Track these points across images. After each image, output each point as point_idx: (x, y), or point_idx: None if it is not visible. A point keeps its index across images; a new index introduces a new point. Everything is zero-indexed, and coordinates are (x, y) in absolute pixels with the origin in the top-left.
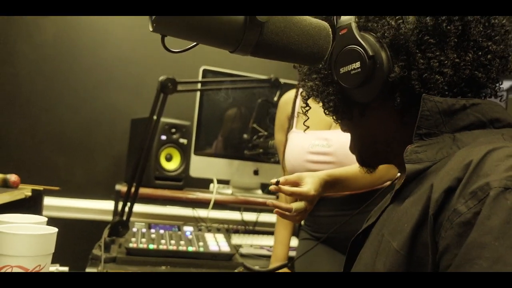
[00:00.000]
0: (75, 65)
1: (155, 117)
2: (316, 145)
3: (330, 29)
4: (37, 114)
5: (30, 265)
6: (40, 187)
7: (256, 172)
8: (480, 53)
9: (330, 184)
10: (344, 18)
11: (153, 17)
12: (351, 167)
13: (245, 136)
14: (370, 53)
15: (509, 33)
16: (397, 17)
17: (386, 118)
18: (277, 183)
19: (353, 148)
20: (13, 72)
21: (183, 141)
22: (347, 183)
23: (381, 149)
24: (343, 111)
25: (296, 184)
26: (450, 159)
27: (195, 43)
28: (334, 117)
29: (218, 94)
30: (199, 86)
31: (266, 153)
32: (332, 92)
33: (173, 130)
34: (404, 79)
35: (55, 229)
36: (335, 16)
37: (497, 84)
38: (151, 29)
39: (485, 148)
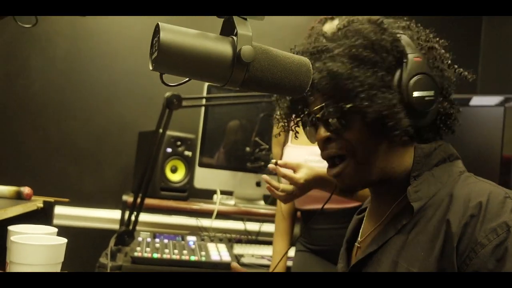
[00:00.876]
0: (85, 79)
1: (161, 131)
2: (310, 161)
3: (310, 65)
4: (49, 126)
5: None
6: (51, 199)
7: (258, 184)
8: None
9: (324, 181)
10: (412, 46)
11: (153, 57)
12: None
13: (247, 149)
14: (439, 86)
15: None
16: (449, 67)
17: (407, 148)
18: (276, 163)
19: (350, 172)
20: (26, 85)
21: (187, 153)
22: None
23: (383, 177)
24: (406, 131)
25: (293, 169)
26: (454, 197)
27: (187, 78)
28: (396, 135)
29: (223, 108)
30: (203, 101)
31: (267, 165)
32: (399, 111)
33: (178, 143)
34: (447, 115)
35: (65, 240)
36: (401, 42)
37: None
38: (151, 68)
39: (482, 189)
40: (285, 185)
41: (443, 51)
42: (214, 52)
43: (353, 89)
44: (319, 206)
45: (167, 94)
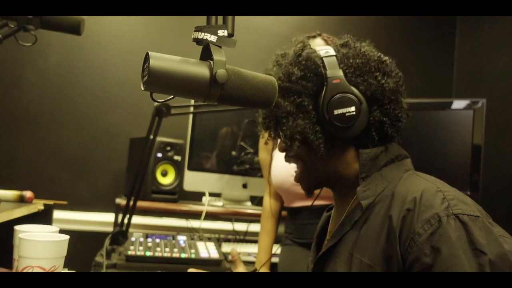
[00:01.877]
0: (77, 89)
1: (151, 137)
2: None
3: (276, 83)
4: (43, 134)
5: (47, 266)
6: (51, 202)
7: (245, 186)
8: (402, 106)
9: None
10: (333, 71)
11: (144, 79)
12: None
13: (233, 153)
14: (361, 101)
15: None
16: (378, 78)
17: (347, 154)
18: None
19: (306, 174)
20: (20, 96)
21: (177, 158)
22: None
23: (330, 180)
24: (324, 146)
25: None
26: (394, 195)
27: (173, 96)
28: (320, 151)
29: (210, 115)
30: (191, 109)
31: (253, 168)
32: (319, 130)
33: (168, 148)
34: (380, 123)
35: (67, 236)
36: (322, 68)
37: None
38: (142, 88)
39: (417, 186)
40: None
41: (381, 60)
42: (194, 75)
43: (277, 116)
44: (306, 203)
45: (157, 103)
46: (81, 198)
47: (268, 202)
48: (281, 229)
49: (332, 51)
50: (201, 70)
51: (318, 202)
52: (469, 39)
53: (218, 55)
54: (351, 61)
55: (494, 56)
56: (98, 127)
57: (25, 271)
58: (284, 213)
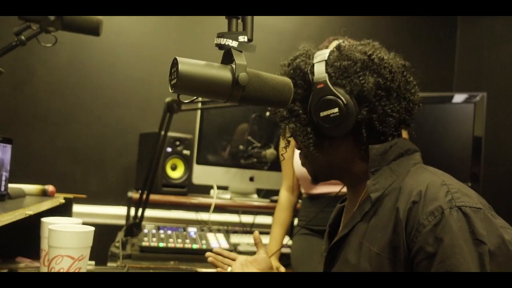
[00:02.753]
0: (88, 85)
1: (162, 133)
2: None
3: (292, 84)
4: (55, 130)
5: (76, 255)
6: (71, 195)
7: (251, 179)
8: (405, 102)
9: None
10: (319, 76)
11: (172, 83)
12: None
13: (241, 147)
14: (345, 101)
15: (416, 86)
16: (360, 77)
17: (347, 150)
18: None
19: (309, 166)
20: (32, 93)
21: (186, 152)
22: None
23: (336, 172)
24: (318, 145)
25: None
26: (402, 188)
27: (195, 96)
28: (310, 149)
29: (217, 110)
30: (200, 105)
31: (259, 161)
32: (311, 131)
33: (177, 142)
34: (368, 120)
35: (93, 228)
36: (309, 73)
37: (412, 123)
38: (171, 91)
39: (423, 179)
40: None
41: (374, 59)
42: (218, 78)
43: (276, 121)
44: (326, 190)
45: (168, 99)
46: (93, 191)
47: (285, 195)
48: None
49: (325, 56)
50: (224, 74)
51: (335, 190)
52: (470, 34)
53: (239, 60)
54: (337, 63)
55: (494, 50)
56: (108, 122)
57: (55, 260)
58: (298, 205)
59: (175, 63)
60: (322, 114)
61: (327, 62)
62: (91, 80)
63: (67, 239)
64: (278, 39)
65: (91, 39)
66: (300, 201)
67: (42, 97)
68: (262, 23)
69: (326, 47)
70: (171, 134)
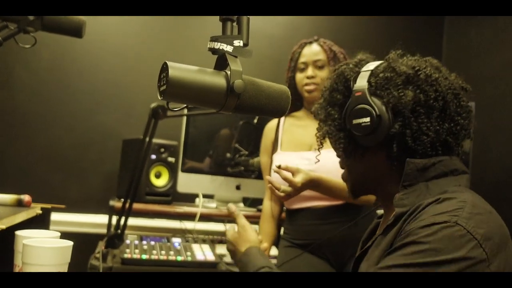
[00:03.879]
0: (69, 89)
1: (147, 139)
2: (300, 164)
3: (289, 93)
4: (33, 135)
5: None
6: (48, 205)
7: (238, 187)
8: (452, 124)
9: (317, 184)
10: (359, 84)
11: (161, 89)
12: (339, 180)
13: (228, 155)
14: (378, 113)
15: (471, 112)
16: (399, 90)
17: (379, 162)
18: (279, 167)
19: (346, 179)
20: (11, 96)
21: (171, 159)
22: (329, 191)
23: (370, 185)
24: (349, 151)
25: (292, 173)
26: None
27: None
28: (341, 155)
29: (204, 116)
30: (186, 111)
31: (247, 170)
32: (343, 136)
33: (162, 149)
34: (401, 134)
35: (71, 242)
36: (352, 80)
37: (461, 148)
38: (160, 98)
39: (448, 195)
40: (285, 187)
41: (420, 74)
42: (211, 85)
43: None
44: (305, 205)
45: (153, 104)
46: (74, 200)
47: (269, 205)
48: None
49: (372, 66)
50: (218, 80)
51: (318, 204)
52: (456, 44)
53: (234, 65)
54: (381, 74)
55: (481, 60)
56: (90, 128)
57: None
58: (284, 215)
59: (164, 68)
60: (355, 121)
61: (372, 72)
62: (73, 83)
63: (43, 256)
64: (267, 44)
65: (74, 40)
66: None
67: (20, 100)
68: (251, 28)
69: (299, 53)
70: (155, 140)
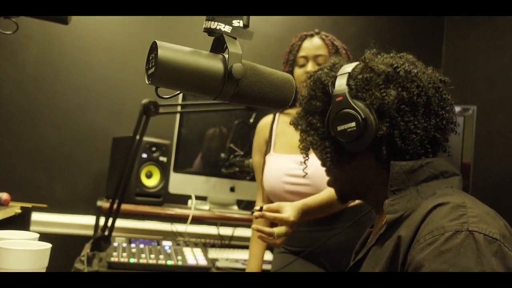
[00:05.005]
0: (57, 84)
1: (138, 137)
2: (293, 168)
3: (293, 81)
4: (19, 132)
5: None
6: (29, 205)
7: (232, 189)
8: (438, 119)
9: (306, 212)
10: (339, 88)
11: (149, 72)
12: (324, 194)
13: (222, 155)
14: (363, 116)
15: (453, 105)
16: (381, 90)
17: (368, 167)
18: (261, 209)
19: (333, 185)
20: None
21: (163, 159)
22: (321, 211)
23: (359, 191)
24: (336, 160)
25: (276, 211)
26: (419, 207)
27: (177, 91)
28: (327, 164)
29: (198, 114)
30: (179, 108)
31: (242, 171)
32: (328, 145)
33: (154, 148)
34: (389, 136)
35: (49, 245)
36: (330, 86)
37: (448, 143)
38: (147, 82)
39: (442, 199)
40: (278, 229)
41: (399, 72)
42: (207, 69)
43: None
44: None
45: (144, 101)
46: (59, 199)
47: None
48: None
49: (349, 68)
50: (215, 64)
51: None
52: (456, 46)
53: (233, 48)
54: (360, 76)
55: (481, 63)
56: (78, 125)
57: None
58: None
59: (154, 48)
60: (339, 128)
61: (350, 75)
62: (61, 78)
63: (17, 259)
64: (263, 44)
65: (63, 34)
66: None
67: (5, 95)
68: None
69: (299, 46)
70: (147, 139)
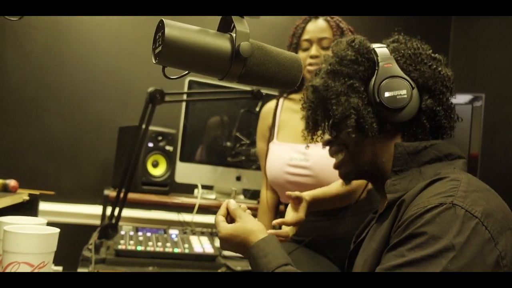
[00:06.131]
0: (64, 74)
1: (144, 126)
2: (295, 159)
3: (301, 61)
4: (26, 121)
5: (35, 262)
6: (37, 192)
7: (238, 178)
8: (452, 107)
9: (313, 205)
10: (384, 57)
11: (157, 51)
12: (330, 188)
13: (228, 144)
14: (414, 85)
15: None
16: (431, 66)
17: (392, 144)
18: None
19: (344, 163)
20: (3, 80)
21: (169, 148)
22: (326, 204)
23: (371, 171)
24: (373, 129)
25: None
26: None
27: (187, 72)
28: (373, 132)
29: (203, 104)
30: (185, 97)
31: (248, 160)
32: (372, 111)
33: (160, 138)
34: (432, 111)
35: (57, 229)
36: (374, 54)
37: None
38: (154, 62)
39: (444, 174)
40: (291, 229)
41: (432, 55)
42: (214, 48)
43: (326, 97)
44: None
45: (150, 89)
46: (67, 189)
47: (265, 195)
48: None
49: (383, 45)
50: (222, 42)
51: None
52: (464, 35)
53: (241, 26)
54: (402, 51)
55: (489, 52)
56: (85, 114)
57: (10, 267)
58: (282, 207)
59: (160, 26)
60: (388, 94)
61: (388, 48)
62: (67, 69)
63: (25, 243)
64: (269, 34)
65: (69, 25)
66: None
67: (13, 85)
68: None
69: (303, 28)
70: (153, 128)
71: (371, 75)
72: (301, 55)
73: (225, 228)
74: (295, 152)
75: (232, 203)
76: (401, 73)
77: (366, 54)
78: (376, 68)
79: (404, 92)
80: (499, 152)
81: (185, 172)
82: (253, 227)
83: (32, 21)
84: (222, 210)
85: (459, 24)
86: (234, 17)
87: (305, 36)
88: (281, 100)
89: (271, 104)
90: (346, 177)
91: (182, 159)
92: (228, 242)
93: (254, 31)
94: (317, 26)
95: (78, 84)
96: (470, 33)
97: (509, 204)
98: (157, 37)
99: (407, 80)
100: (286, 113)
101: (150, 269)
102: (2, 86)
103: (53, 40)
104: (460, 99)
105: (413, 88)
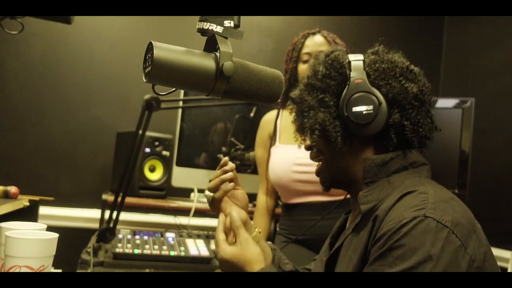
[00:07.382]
0: (63, 81)
1: (140, 132)
2: (301, 157)
3: (283, 77)
4: (26, 127)
5: (35, 265)
6: (37, 198)
7: None
8: (430, 120)
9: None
10: (356, 72)
11: (146, 71)
12: None
13: (223, 149)
14: (380, 101)
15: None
16: (401, 82)
17: (361, 157)
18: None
19: (324, 170)
20: (2, 87)
21: (165, 153)
22: None
23: (347, 178)
24: (341, 141)
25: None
26: (389, 196)
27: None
28: (338, 145)
29: (199, 109)
30: (181, 103)
31: (243, 164)
32: (339, 125)
33: (156, 143)
34: (399, 126)
35: (57, 235)
36: (347, 69)
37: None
38: (144, 80)
39: (409, 188)
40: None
41: (408, 67)
42: (200, 67)
43: (301, 109)
44: (303, 200)
45: (147, 96)
46: (65, 193)
47: (264, 199)
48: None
49: (361, 57)
50: (207, 62)
51: (315, 199)
52: (456, 38)
53: (224, 47)
54: (377, 65)
55: (481, 55)
56: (83, 120)
57: (11, 270)
58: (278, 210)
59: (150, 48)
60: (355, 109)
61: (364, 62)
62: (66, 75)
63: (26, 248)
64: (264, 38)
65: (67, 31)
66: (280, 202)
67: (12, 91)
68: (248, 21)
69: (302, 43)
70: (150, 133)
71: (343, 89)
72: (301, 67)
73: (225, 252)
74: (300, 152)
75: (236, 220)
76: (370, 89)
77: (340, 69)
78: (348, 83)
79: (370, 107)
80: (489, 154)
81: (182, 176)
82: (251, 258)
83: (30, 28)
84: (224, 225)
85: (452, 28)
86: (218, 38)
87: (305, 49)
88: (281, 110)
89: (271, 114)
90: (323, 185)
91: (179, 164)
92: (226, 265)
93: (253, 36)
94: (316, 41)
95: (77, 90)
96: (463, 37)
97: (500, 203)
98: (147, 58)
99: (375, 96)
100: (286, 120)
101: (146, 271)
102: (2, 92)
103: (52, 48)
104: (450, 103)
105: (380, 103)
